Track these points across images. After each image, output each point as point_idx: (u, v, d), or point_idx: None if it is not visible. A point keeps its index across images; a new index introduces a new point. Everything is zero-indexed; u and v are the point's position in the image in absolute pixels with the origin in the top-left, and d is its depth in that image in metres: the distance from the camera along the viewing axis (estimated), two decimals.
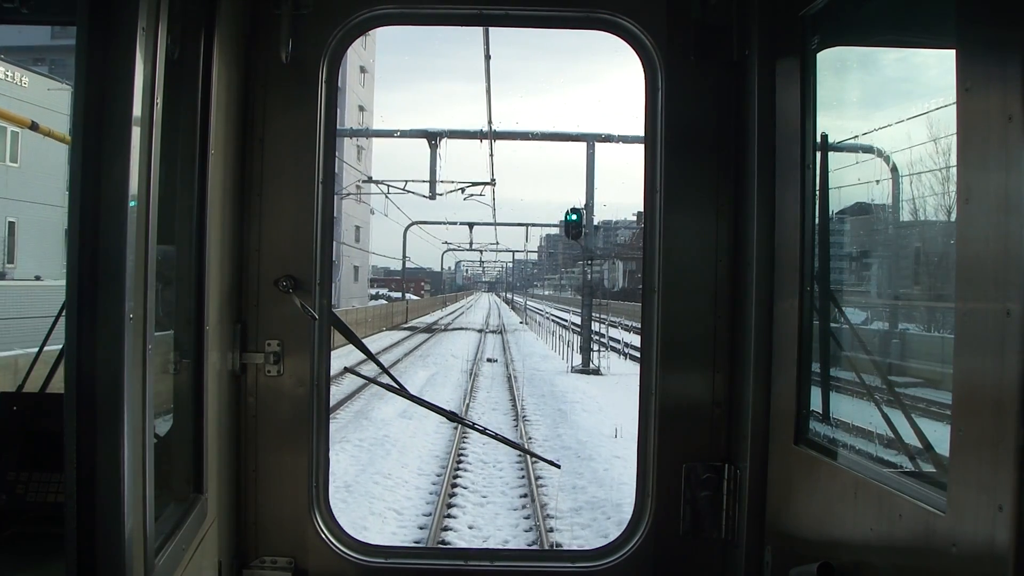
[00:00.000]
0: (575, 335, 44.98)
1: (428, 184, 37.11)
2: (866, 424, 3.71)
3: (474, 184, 42.24)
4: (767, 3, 4.10)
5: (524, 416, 23.62)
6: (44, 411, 3.68)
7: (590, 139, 34.60)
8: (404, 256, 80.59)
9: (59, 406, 2.57)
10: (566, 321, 62.05)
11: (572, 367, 36.66)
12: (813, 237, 3.89)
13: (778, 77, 4.02)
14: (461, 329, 69.08)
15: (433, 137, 33.73)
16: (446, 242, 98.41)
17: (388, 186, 46.07)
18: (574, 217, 34.19)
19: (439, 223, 79.62)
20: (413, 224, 74.03)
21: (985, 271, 2.52)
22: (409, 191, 42.55)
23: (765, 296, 4.06)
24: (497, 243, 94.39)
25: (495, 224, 73.12)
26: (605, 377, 33.98)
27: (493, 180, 42.60)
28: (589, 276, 40.19)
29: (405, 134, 34.80)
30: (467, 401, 26.45)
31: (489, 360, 40.65)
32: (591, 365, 36.25)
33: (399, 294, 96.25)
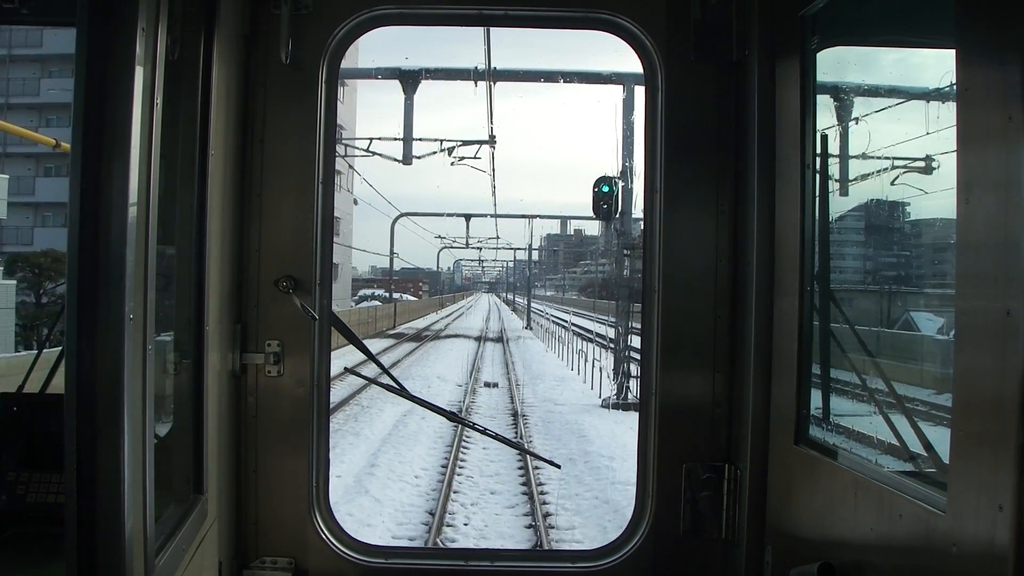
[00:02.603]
0: (593, 344, 36.20)
1: (402, 144, 26.42)
2: (866, 424, 3.72)
3: (466, 143, 30.52)
4: (767, 3, 4.10)
5: (549, 523, 12.98)
6: (44, 412, 3.68)
7: (627, 80, 24.12)
8: (392, 252, 71.82)
9: (59, 406, 2.57)
10: (582, 329, 49.31)
11: (604, 400, 25.31)
12: (813, 237, 3.89)
13: (778, 77, 4.02)
14: (456, 336, 58.69)
15: (409, 78, 23.71)
16: (439, 236, 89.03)
17: (345, 146, 34.65)
18: (606, 188, 24.13)
19: (433, 215, 73.54)
20: (402, 216, 66.26)
21: (985, 271, 2.52)
22: (375, 152, 30.37)
23: (765, 296, 4.07)
24: (497, 237, 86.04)
25: (495, 216, 66.44)
26: None
27: (492, 137, 30.51)
28: (627, 271, 27.74)
29: (371, 73, 25.81)
30: (448, 476, 15.58)
31: (487, 385, 30.47)
32: (630, 395, 24.54)
33: (396, 294, 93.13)
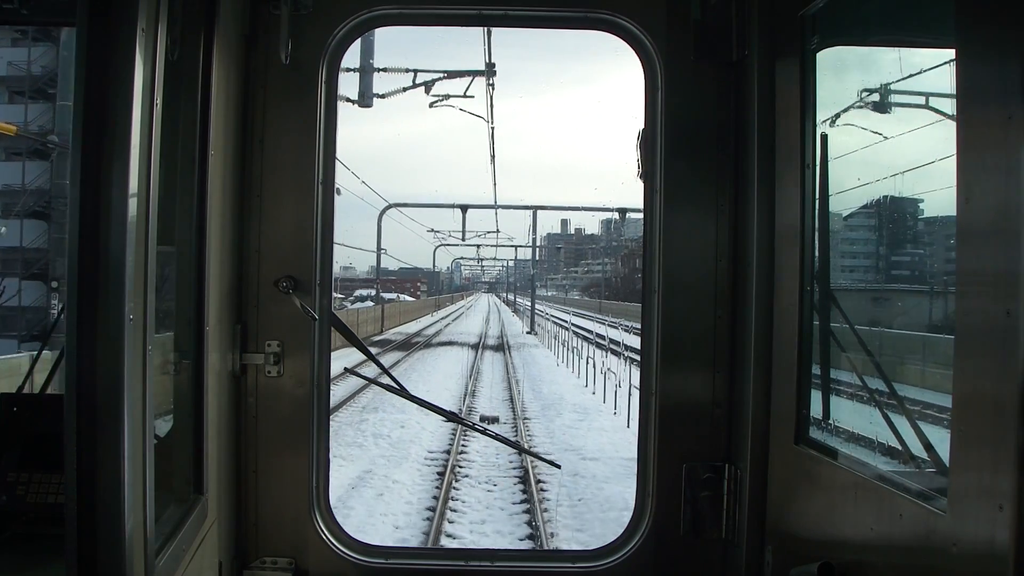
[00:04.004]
0: (613, 354, 31.65)
1: (358, 77, 20.41)
2: (866, 424, 3.71)
3: (453, 75, 22.88)
4: (767, 3, 4.10)
5: None
6: (44, 412, 3.68)
7: None
8: (379, 248, 65.47)
9: (59, 407, 2.57)
10: (593, 333, 44.38)
11: None
12: (813, 237, 3.89)
13: (778, 77, 4.02)
14: (449, 344, 51.62)
15: None
16: (432, 231, 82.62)
17: None
18: None
19: (426, 206, 69.36)
20: (391, 207, 61.24)
21: (985, 271, 2.52)
22: None
23: (765, 296, 4.07)
24: (497, 231, 78.69)
25: (495, 207, 62.15)
26: None
27: (491, 65, 22.96)
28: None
29: None
30: None
31: (484, 420, 22.07)
32: None
33: (393, 295, 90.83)
